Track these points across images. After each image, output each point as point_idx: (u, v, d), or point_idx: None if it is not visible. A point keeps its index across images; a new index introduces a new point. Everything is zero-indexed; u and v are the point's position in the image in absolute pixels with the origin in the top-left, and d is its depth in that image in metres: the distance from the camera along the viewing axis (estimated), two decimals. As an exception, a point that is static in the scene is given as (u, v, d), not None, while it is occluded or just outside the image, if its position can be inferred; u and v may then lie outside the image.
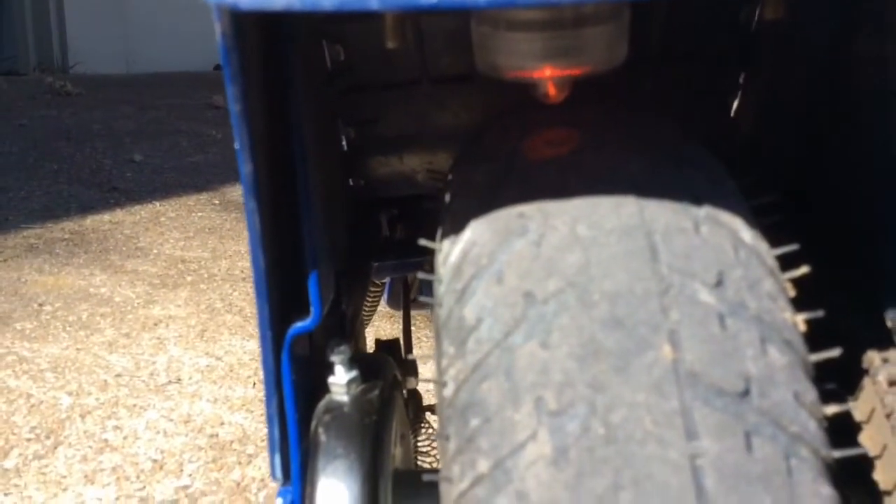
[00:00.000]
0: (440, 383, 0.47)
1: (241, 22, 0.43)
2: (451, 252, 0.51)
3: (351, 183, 0.90)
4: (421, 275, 0.56)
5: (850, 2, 0.38)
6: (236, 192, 3.14)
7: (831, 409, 0.45)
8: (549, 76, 0.48)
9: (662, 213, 0.46)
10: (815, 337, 0.49)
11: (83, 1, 5.60)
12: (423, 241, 0.55)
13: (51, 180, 3.25)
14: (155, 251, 2.62)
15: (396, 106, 0.83)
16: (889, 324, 0.55)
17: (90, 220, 2.84)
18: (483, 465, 0.41)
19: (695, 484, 0.38)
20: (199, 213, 2.99)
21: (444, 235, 0.53)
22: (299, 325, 0.58)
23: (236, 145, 0.50)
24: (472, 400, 0.43)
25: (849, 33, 0.62)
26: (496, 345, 0.44)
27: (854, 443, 0.58)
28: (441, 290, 0.51)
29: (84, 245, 2.62)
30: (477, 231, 0.49)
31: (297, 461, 0.60)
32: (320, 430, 0.61)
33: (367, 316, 1.45)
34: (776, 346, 0.43)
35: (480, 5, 0.37)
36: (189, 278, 2.42)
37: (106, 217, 2.88)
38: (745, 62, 0.78)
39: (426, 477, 0.49)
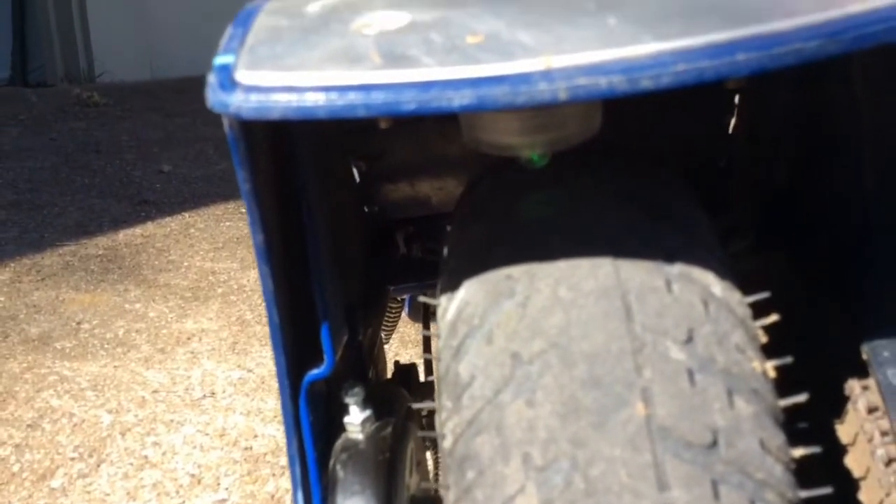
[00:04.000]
0: (441, 435, 0.52)
1: None
2: (448, 308, 0.55)
3: (366, 210, 0.94)
4: (422, 298, 0.60)
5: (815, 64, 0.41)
6: (262, 201, 3.19)
7: (801, 451, 0.48)
8: (527, 151, 0.52)
9: (637, 273, 0.50)
10: (800, 369, 0.53)
11: (106, 10, 5.69)
12: (422, 299, 0.59)
13: (83, 195, 3.33)
14: (186, 264, 2.69)
15: (403, 140, 0.87)
16: (864, 356, 0.59)
17: (122, 235, 2.92)
18: (478, 516, 0.45)
19: (667, 532, 0.42)
20: (227, 223, 3.06)
21: (442, 292, 0.57)
22: (314, 372, 0.62)
23: (248, 218, 0.54)
24: (468, 453, 0.48)
25: (818, 79, 0.65)
26: (487, 402, 0.48)
27: (838, 467, 0.62)
28: (440, 345, 0.55)
29: (118, 260, 2.70)
30: (469, 291, 0.53)
31: (318, 497, 0.65)
32: (338, 467, 0.65)
33: (388, 331, 1.49)
34: (743, 396, 0.46)
35: (454, 109, 0.41)
36: (219, 290, 2.49)
37: (138, 231, 2.96)
38: (738, 87, 0.82)
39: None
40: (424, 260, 1.00)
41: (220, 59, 0.46)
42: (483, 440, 0.47)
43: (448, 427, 0.51)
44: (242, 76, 0.44)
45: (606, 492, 0.43)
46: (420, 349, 2.09)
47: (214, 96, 0.44)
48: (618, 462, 0.43)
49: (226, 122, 0.48)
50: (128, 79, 5.52)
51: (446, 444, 0.50)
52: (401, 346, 2.13)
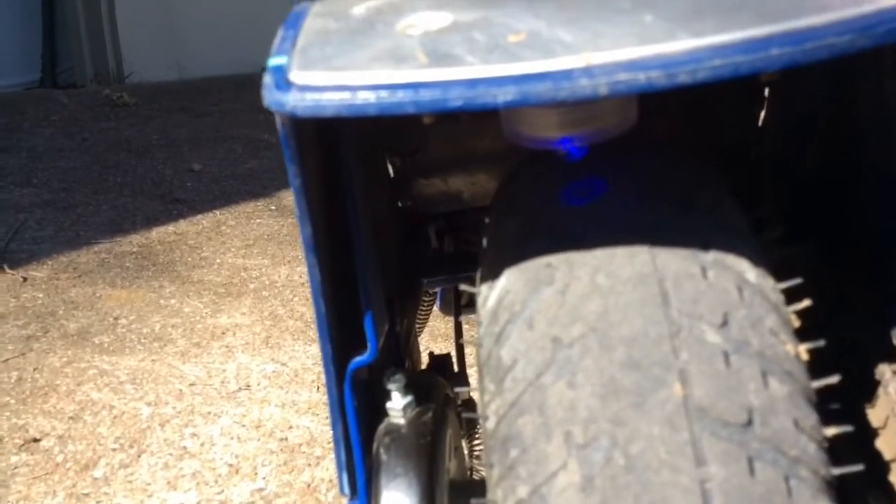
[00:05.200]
0: (484, 416, 0.54)
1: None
2: (488, 297, 0.58)
3: (399, 204, 0.96)
4: (463, 287, 0.62)
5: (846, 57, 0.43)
6: (291, 197, 3.24)
7: (833, 430, 0.50)
8: (566, 143, 0.54)
9: (673, 261, 0.51)
10: (833, 354, 0.54)
11: (134, 12, 5.76)
12: (463, 287, 0.62)
13: (116, 194, 3.39)
14: (218, 260, 2.73)
15: (438, 137, 0.89)
16: (895, 341, 0.60)
17: (155, 233, 2.97)
18: (522, 491, 0.47)
19: (704, 506, 0.44)
20: (258, 220, 3.11)
21: (483, 280, 0.60)
22: (358, 359, 0.65)
23: (297, 212, 0.57)
24: (511, 433, 0.50)
25: (849, 71, 0.67)
26: (529, 384, 0.50)
27: (870, 450, 0.63)
28: (481, 331, 0.57)
29: (152, 258, 2.75)
30: (510, 279, 0.55)
31: (362, 478, 0.67)
32: (381, 450, 0.68)
33: (420, 324, 1.51)
34: (777, 377, 0.48)
35: (499, 105, 0.44)
36: (252, 286, 2.54)
37: (170, 228, 3.02)
38: (770, 80, 0.83)
39: (475, 501, 0.55)
40: (456, 253, 1.02)
41: (274, 61, 0.49)
42: (526, 420, 0.49)
43: (491, 409, 0.53)
44: (296, 76, 0.47)
45: (646, 468, 0.45)
46: (449, 343, 2.12)
47: (271, 96, 0.46)
48: (656, 440, 0.45)
49: (278, 121, 0.51)
50: (156, 79, 5.59)
51: (489, 424, 0.53)
52: (431, 339, 2.16)
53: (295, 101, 0.46)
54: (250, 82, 5.32)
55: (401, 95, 0.44)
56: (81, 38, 5.70)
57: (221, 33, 5.91)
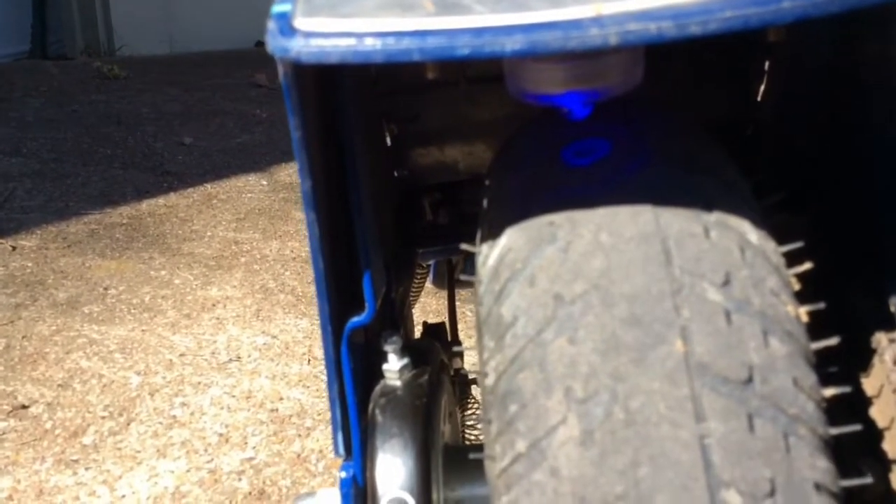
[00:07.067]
0: (482, 373, 0.54)
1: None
2: (489, 255, 0.57)
3: (395, 174, 0.96)
4: (464, 246, 0.62)
5: (853, 17, 0.43)
6: (283, 172, 3.23)
7: (831, 391, 0.50)
8: (570, 100, 0.53)
9: (676, 220, 0.51)
10: (828, 322, 0.55)
11: (126, -17, 5.71)
12: (464, 246, 0.61)
13: (106, 165, 3.37)
14: (209, 234, 2.72)
15: (436, 104, 0.89)
16: (892, 308, 0.60)
17: (146, 205, 2.95)
18: (521, 445, 0.47)
19: (703, 460, 0.43)
20: (249, 195, 3.09)
21: (483, 240, 0.59)
22: (356, 319, 0.65)
23: (297, 166, 0.57)
24: (510, 389, 0.50)
25: (855, 37, 0.66)
26: (530, 340, 0.50)
27: (864, 417, 0.64)
28: (481, 290, 0.57)
29: (142, 229, 2.74)
30: (512, 237, 0.55)
31: (357, 439, 0.67)
32: (377, 411, 0.68)
33: (414, 296, 1.51)
34: (777, 337, 0.48)
35: (507, 54, 0.43)
36: (243, 259, 2.53)
37: (161, 201, 3.00)
38: (768, 51, 0.83)
39: (472, 455, 0.55)
40: (451, 225, 1.02)
41: (278, 8, 0.48)
42: (526, 376, 0.49)
43: (490, 366, 0.53)
44: (301, 23, 0.46)
45: (645, 422, 0.45)
46: (441, 318, 2.12)
47: (275, 42, 0.46)
48: (656, 395, 0.45)
49: (281, 70, 0.50)
50: (147, 52, 5.55)
51: (488, 381, 0.52)
52: (422, 315, 2.16)
53: (299, 48, 0.45)
54: (242, 58, 5.28)
55: (407, 43, 0.44)
56: (72, 10, 5.64)
57: (214, 8, 5.86)
